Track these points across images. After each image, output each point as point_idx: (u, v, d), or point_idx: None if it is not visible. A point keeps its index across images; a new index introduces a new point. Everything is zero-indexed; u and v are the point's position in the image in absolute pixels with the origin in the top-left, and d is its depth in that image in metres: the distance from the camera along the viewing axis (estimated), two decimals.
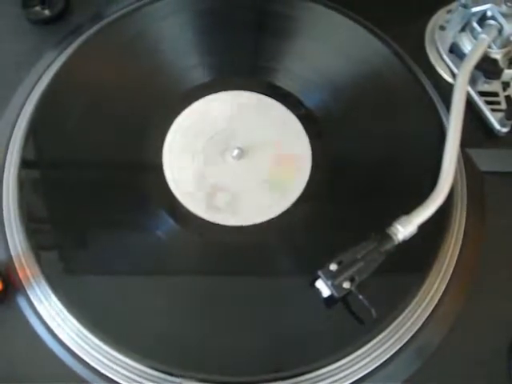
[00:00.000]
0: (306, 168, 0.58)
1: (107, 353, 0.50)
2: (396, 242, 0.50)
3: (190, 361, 0.49)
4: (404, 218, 0.51)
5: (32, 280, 0.52)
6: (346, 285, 0.48)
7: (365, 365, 0.50)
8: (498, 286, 0.54)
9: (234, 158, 0.58)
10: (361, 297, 0.48)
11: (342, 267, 0.48)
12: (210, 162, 0.58)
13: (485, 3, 0.61)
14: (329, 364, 0.49)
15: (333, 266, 0.48)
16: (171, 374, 0.49)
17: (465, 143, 0.58)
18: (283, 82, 0.62)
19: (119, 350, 0.49)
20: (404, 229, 0.50)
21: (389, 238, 0.50)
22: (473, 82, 0.61)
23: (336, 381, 0.50)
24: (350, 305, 0.50)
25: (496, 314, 0.53)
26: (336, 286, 0.48)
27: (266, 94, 0.61)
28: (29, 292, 0.52)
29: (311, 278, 0.50)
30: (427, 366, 0.51)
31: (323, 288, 0.49)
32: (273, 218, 0.55)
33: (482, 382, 0.51)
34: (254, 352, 0.50)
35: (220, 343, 0.50)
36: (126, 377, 0.49)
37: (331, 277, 0.48)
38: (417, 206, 0.51)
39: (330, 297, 0.49)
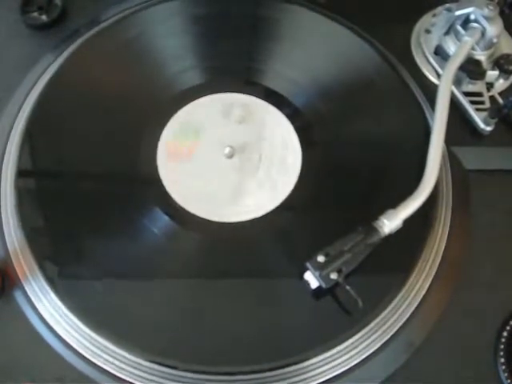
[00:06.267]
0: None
1: (105, 347, 0.50)
2: (382, 235, 0.51)
3: (180, 350, 0.50)
4: (390, 212, 0.52)
5: (29, 275, 0.53)
6: (334, 276, 0.49)
7: (350, 358, 0.51)
8: (483, 281, 0.55)
9: (226, 157, 0.59)
10: (348, 287, 0.49)
11: (330, 259, 0.49)
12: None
13: (468, 7, 0.63)
14: (312, 357, 0.50)
15: (320, 258, 0.49)
16: (167, 366, 0.49)
17: (450, 142, 0.59)
18: (274, 84, 0.64)
19: (116, 344, 0.50)
20: (390, 222, 0.51)
21: (375, 230, 0.51)
22: (458, 82, 0.63)
23: (320, 373, 0.50)
24: (337, 298, 0.51)
25: (482, 308, 0.53)
26: (324, 277, 0.49)
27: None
28: (26, 287, 0.53)
29: (298, 271, 0.51)
30: (412, 360, 0.51)
31: (311, 279, 0.50)
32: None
33: (469, 378, 0.51)
34: (238, 344, 0.50)
35: (212, 336, 0.51)
36: (125, 371, 0.50)
37: (319, 268, 0.49)
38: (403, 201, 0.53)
39: (318, 288, 0.50)
